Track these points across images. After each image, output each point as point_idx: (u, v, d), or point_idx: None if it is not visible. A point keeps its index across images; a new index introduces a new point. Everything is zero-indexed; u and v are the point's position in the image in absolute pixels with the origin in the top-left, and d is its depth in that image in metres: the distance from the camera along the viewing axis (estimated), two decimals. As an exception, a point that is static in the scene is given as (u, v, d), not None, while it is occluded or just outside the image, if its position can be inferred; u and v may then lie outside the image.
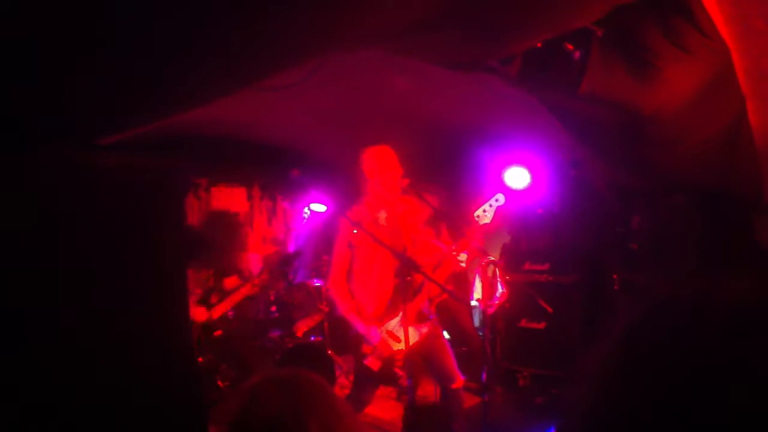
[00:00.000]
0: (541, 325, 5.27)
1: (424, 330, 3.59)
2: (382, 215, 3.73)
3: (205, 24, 1.70)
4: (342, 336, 4.74)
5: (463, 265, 3.91)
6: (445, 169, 5.65)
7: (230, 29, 1.77)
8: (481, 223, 3.63)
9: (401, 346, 3.49)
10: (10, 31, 1.46)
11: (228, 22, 1.72)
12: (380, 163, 3.67)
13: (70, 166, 1.74)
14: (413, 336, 3.47)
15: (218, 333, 4.41)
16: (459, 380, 3.70)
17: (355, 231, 3.59)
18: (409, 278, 3.38)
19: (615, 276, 4.63)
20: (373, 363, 3.53)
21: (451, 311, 5.14)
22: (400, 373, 3.53)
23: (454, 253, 3.66)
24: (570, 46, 2.95)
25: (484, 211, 3.64)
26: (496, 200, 3.64)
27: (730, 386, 0.63)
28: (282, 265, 5.56)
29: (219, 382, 4.68)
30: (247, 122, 4.98)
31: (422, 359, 3.64)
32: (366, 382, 3.69)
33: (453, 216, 5.00)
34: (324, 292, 5.23)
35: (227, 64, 1.96)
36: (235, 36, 1.81)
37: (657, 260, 4.39)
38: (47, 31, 1.50)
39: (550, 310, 5.00)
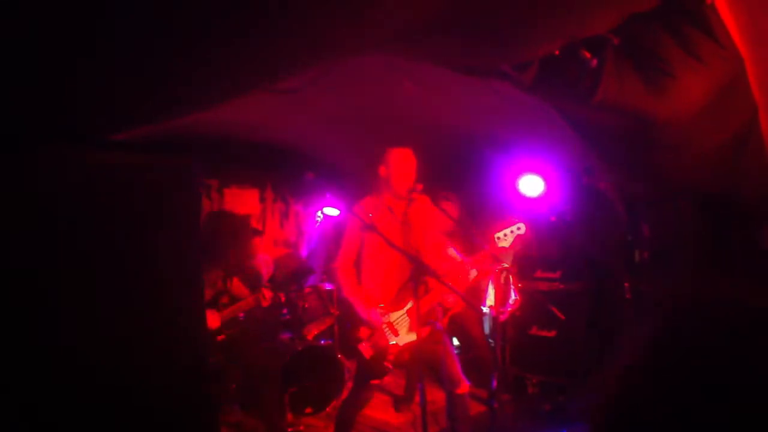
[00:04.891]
0: (552, 333, 5.24)
1: (424, 333, 3.57)
2: (395, 215, 3.75)
3: (206, 24, 1.71)
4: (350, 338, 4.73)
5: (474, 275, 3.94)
6: (458, 176, 5.64)
7: (231, 28, 1.77)
8: (499, 245, 3.77)
9: (396, 340, 3.53)
10: (10, 31, 1.47)
11: (229, 21, 1.72)
12: (400, 164, 3.72)
13: (70, 166, 1.75)
14: (412, 335, 3.51)
15: (221, 338, 4.37)
16: (464, 386, 3.68)
17: (370, 214, 3.64)
18: (420, 280, 3.38)
19: (626, 284, 4.60)
20: (366, 349, 3.54)
21: (461, 319, 5.11)
22: (390, 367, 3.57)
23: (468, 266, 3.72)
24: (587, 54, 2.94)
25: (505, 235, 3.78)
26: (518, 228, 3.78)
27: (730, 386, 0.64)
28: (295, 278, 5.56)
29: (228, 384, 4.68)
30: (259, 124, 5.01)
31: (427, 365, 3.62)
32: (363, 379, 3.68)
33: (468, 226, 5.01)
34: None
35: (228, 66, 1.96)
36: (236, 36, 1.82)
37: (665, 266, 4.37)
38: (47, 31, 1.51)
39: (562, 317, 4.96)
